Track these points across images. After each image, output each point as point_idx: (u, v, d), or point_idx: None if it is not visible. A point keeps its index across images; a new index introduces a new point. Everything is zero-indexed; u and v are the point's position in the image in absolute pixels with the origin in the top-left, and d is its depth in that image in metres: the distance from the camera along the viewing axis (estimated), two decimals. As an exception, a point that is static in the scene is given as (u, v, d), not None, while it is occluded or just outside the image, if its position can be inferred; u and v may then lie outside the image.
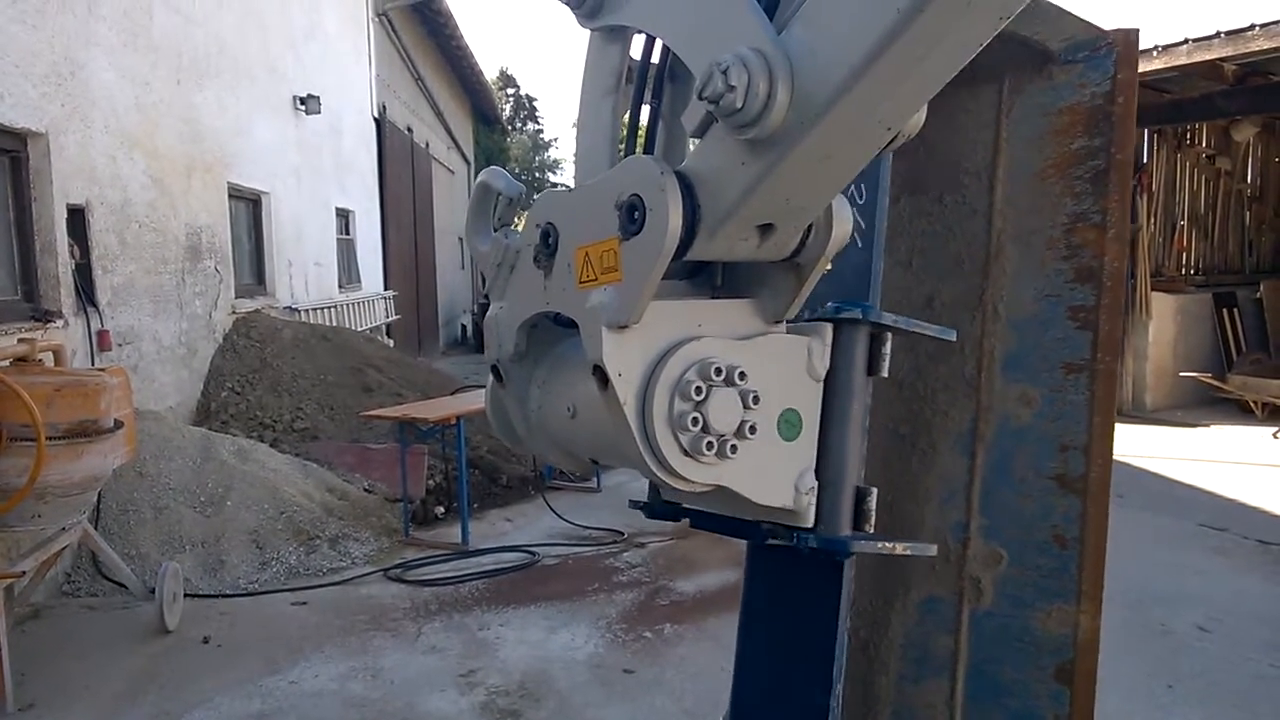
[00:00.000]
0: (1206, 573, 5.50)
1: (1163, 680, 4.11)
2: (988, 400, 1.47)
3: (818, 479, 1.09)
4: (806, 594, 1.26)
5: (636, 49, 1.09)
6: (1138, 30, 1.48)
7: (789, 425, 1.07)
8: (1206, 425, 10.23)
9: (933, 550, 1.16)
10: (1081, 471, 1.43)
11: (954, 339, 1.18)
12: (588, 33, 1.12)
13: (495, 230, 1.18)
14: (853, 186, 1.38)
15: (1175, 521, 6.52)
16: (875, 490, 1.11)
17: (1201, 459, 8.54)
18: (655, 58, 1.06)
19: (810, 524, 1.08)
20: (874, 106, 0.82)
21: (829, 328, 1.12)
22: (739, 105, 0.82)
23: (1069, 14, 1.49)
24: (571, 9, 1.08)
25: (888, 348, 1.15)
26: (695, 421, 0.97)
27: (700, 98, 0.85)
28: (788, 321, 1.12)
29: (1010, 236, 1.47)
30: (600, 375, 0.96)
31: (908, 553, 1.13)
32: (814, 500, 1.08)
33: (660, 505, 1.28)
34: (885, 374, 1.16)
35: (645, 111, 1.10)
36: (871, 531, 1.11)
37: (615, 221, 0.94)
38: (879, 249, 1.35)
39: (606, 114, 1.12)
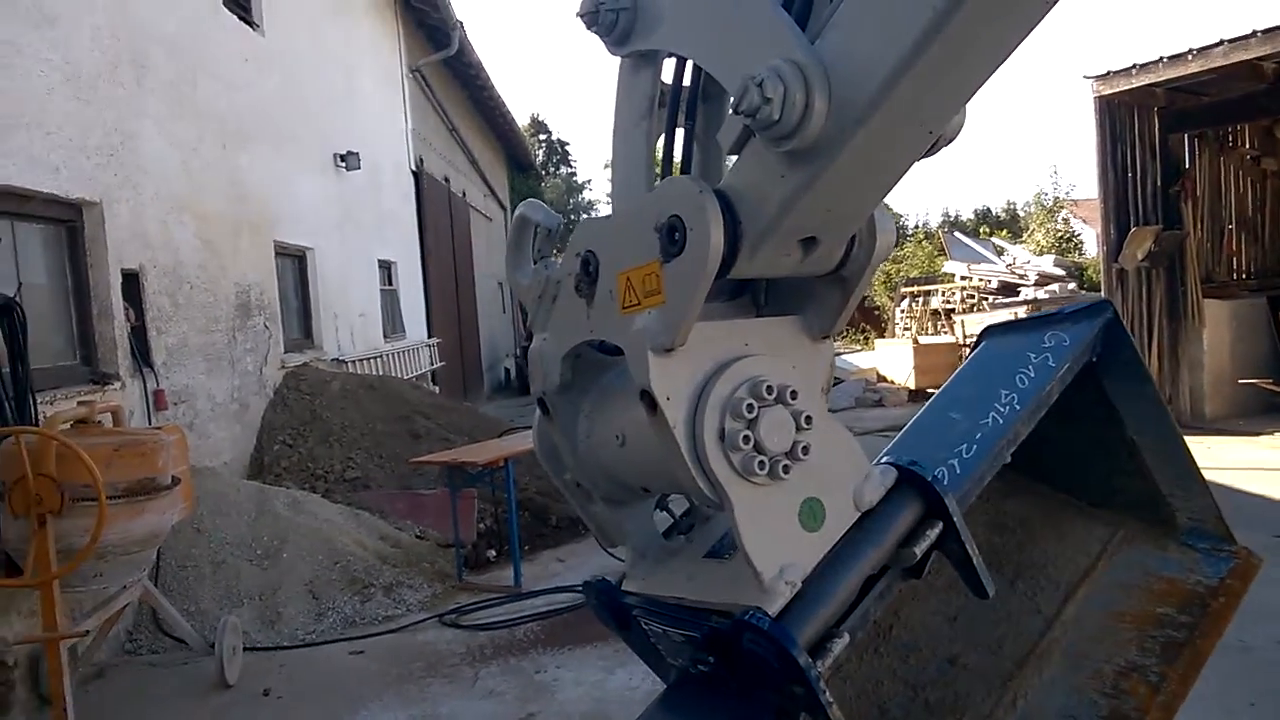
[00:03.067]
0: (1283, 585, 5.30)
1: (1243, 698, 3.95)
2: None
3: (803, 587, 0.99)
4: None
5: (667, 74, 1.09)
6: (1263, 560, 1.47)
7: (810, 514, 1.01)
8: (1271, 433, 9.90)
9: None
10: None
11: (991, 595, 1.08)
12: (617, 61, 1.12)
13: (534, 263, 1.17)
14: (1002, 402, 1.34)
15: (1246, 534, 6.21)
16: (847, 638, 1.00)
17: (1268, 468, 8.27)
18: (686, 80, 1.06)
19: (774, 613, 0.97)
20: (914, 109, 0.81)
21: (894, 473, 1.06)
22: (776, 117, 0.81)
23: (1210, 496, 1.46)
24: (600, 37, 1.08)
25: (932, 534, 1.05)
26: (747, 440, 0.95)
27: (736, 112, 0.84)
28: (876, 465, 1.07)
29: (1061, 649, 1.43)
30: (648, 400, 0.95)
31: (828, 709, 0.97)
32: (788, 598, 0.98)
33: (610, 597, 1.16)
34: (919, 572, 1.06)
35: (680, 136, 1.09)
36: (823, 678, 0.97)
37: (656, 244, 0.94)
38: (985, 464, 1.28)
39: (641, 141, 1.11)
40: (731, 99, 0.86)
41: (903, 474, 1.06)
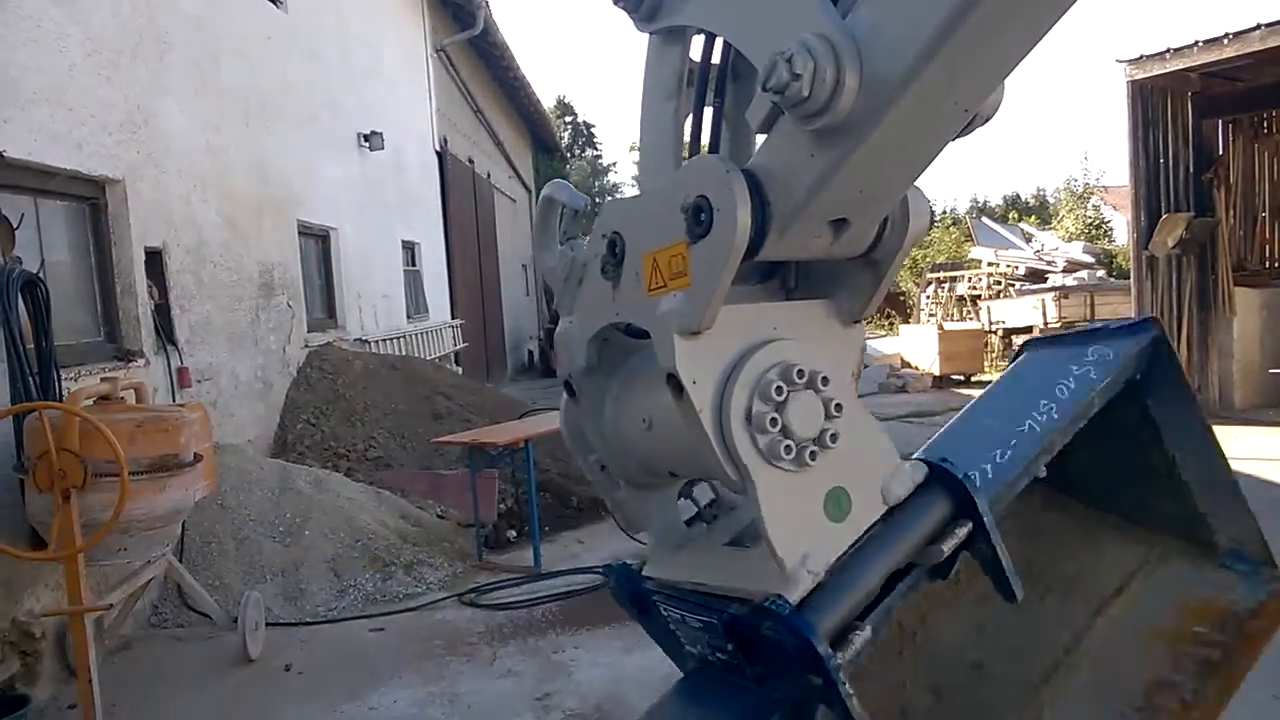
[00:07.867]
0: (1312, 579, 5.22)
1: (1269, 690, 3.90)
2: None
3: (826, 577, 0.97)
4: None
5: (696, 51, 1.06)
6: None
7: (836, 504, 0.98)
8: (1302, 424, 9.77)
9: None
10: None
11: (1019, 598, 1.05)
12: (645, 38, 1.10)
13: (561, 244, 1.16)
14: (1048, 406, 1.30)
15: (1272, 526, 6.20)
16: (869, 631, 0.97)
17: (1299, 459, 8.15)
18: (716, 57, 1.03)
19: (795, 601, 0.93)
20: (949, 86, 0.78)
21: (925, 469, 1.04)
22: (805, 94, 0.78)
23: (1253, 519, 1.41)
24: (628, 13, 1.06)
25: (961, 533, 1.02)
26: (774, 423, 0.94)
27: (765, 89, 0.82)
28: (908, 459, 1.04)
29: (1090, 662, 1.37)
30: (674, 384, 0.94)
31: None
32: (810, 586, 0.95)
33: (631, 581, 1.15)
34: (945, 571, 1.04)
35: (708, 114, 1.06)
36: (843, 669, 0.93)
37: (682, 225, 0.92)
38: (1018, 471, 1.23)
39: (669, 119, 1.09)
40: (760, 74, 0.83)
41: (933, 471, 1.04)
